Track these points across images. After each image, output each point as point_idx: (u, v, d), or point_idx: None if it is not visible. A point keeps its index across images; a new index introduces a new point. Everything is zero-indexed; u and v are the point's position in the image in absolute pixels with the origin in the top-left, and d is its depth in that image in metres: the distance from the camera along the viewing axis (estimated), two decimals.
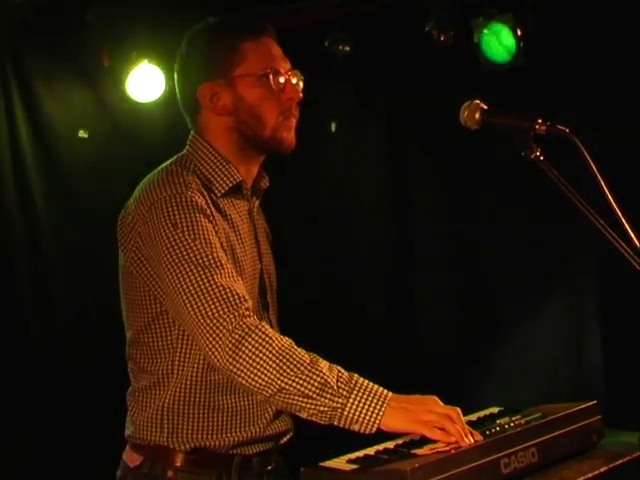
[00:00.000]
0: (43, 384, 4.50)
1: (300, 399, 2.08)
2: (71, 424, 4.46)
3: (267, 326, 2.15)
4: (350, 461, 1.99)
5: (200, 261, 2.17)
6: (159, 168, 2.37)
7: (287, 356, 2.09)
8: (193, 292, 2.15)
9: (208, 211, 2.25)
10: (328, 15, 4.82)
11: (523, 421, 2.09)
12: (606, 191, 1.99)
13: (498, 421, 2.15)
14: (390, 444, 2.10)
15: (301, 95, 2.39)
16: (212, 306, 2.14)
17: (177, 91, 2.47)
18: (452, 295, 5.07)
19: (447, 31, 4.67)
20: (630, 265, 1.96)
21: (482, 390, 4.82)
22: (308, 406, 2.09)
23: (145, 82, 4.68)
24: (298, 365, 2.08)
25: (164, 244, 2.20)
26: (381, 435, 2.19)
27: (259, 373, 2.09)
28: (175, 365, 2.33)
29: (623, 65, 4.42)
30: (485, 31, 4.54)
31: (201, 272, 2.16)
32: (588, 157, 1.99)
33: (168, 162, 2.40)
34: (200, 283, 2.15)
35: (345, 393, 2.07)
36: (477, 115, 2.15)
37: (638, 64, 4.35)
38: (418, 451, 1.99)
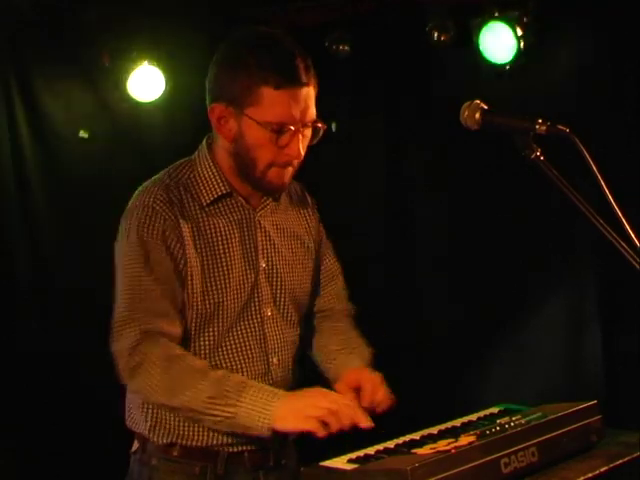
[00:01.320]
0: (43, 384, 4.50)
1: (195, 414, 2.23)
2: (71, 423, 4.46)
3: (158, 350, 2.25)
4: (350, 461, 2.00)
5: (132, 284, 2.30)
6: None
7: (176, 378, 2.22)
8: (116, 309, 2.33)
9: (171, 224, 2.31)
10: (328, 15, 4.82)
11: (523, 421, 2.09)
12: (606, 191, 1.99)
13: (498, 421, 2.15)
14: (390, 444, 2.11)
15: (301, 156, 2.32)
16: (120, 328, 2.29)
17: None
18: (452, 295, 5.07)
19: (447, 31, 4.67)
20: (630, 265, 1.96)
21: (482, 390, 4.82)
22: (206, 418, 2.23)
23: (145, 82, 4.68)
24: (186, 385, 2.21)
25: (117, 255, 2.37)
26: (381, 435, 2.20)
27: (153, 395, 2.26)
28: None
29: (623, 65, 4.42)
30: (485, 31, 4.53)
31: (128, 295, 2.30)
32: (588, 157, 1.99)
33: (173, 164, 2.46)
34: (125, 303, 2.30)
35: (234, 402, 2.18)
36: (477, 115, 2.15)
37: (639, 64, 4.35)
38: (418, 450, 2.00)
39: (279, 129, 2.26)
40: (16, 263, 4.53)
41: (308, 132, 2.33)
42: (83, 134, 4.75)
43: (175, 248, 2.32)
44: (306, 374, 2.61)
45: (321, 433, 2.11)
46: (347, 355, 2.54)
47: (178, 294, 2.32)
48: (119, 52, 4.65)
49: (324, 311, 2.69)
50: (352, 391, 2.33)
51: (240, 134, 2.31)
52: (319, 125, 2.34)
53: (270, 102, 2.24)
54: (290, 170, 2.36)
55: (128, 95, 4.70)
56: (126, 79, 4.65)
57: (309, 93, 2.28)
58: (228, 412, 2.18)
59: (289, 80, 2.24)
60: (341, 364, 2.51)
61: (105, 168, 4.75)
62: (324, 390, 2.23)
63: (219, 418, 2.20)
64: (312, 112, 2.30)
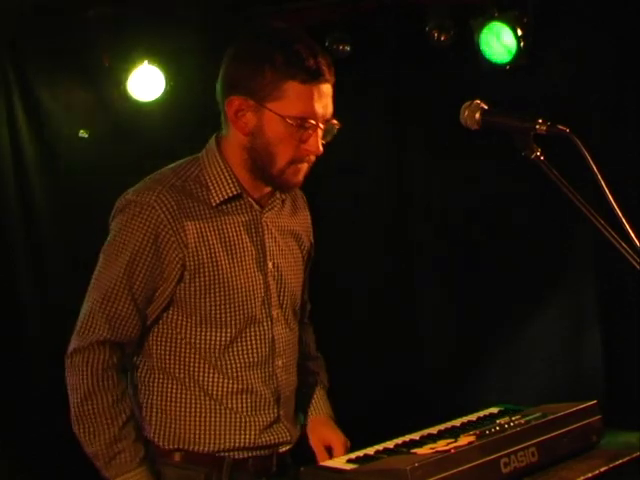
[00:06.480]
0: (42, 385, 4.50)
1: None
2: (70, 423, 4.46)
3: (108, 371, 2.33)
4: (350, 461, 2.00)
5: (104, 287, 2.32)
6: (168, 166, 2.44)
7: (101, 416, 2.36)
8: (85, 306, 2.35)
9: (168, 226, 2.29)
10: (328, 15, 4.82)
11: (523, 421, 2.09)
12: (606, 191, 1.99)
13: (498, 421, 2.15)
14: (390, 444, 2.11)
15: (321, 150, 2.34)
16: (81, 327, 2.35)
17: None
18: (452, 295, 5.07)
19: (447, 31, 4.67)
20: (630, 265, 1.96)
21: (482, 390, 4.82)
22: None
23: (145, 82, 4.68)
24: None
25: (105, 246, 2.40)
26: (381, 435, 2.20)
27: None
28: (156, 366, 2.39)
29: (623, 64, 4.42)
30: (485, 31, 4.53)
31: (98, 296, 2.32)
32: (588, 157, 1.99)
33: (179, 162, 2.43)
34: (92, 303, 2.33)
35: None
36: (477, 115, 2.15)
37: (639, 63, 4.35)
38: (418, 450, 2.00)
39: (302, 124, 2.28)
40: (16, 263, 4.53)
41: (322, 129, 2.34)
42: (83, 134, 4.75)
43: (169, 250, 2.29)
44: None
45: None
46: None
47: (157, 299, 2.33)
48: (119, 52, 4.64)
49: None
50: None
51: (259, 128, 2.30)
52: (334, 122, 2.36)
53: (295, 97, 2.26)
54: (306, 166, 2.37)
55: (128, 95, 4.70)
56: (126, 79, 4.65)
57: (330, 90, 2.32)
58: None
59: (315, 76, 2.27)
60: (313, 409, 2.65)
61: (105, 168, 4.74)
62: None
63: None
64: (331, 108, 2.34)
